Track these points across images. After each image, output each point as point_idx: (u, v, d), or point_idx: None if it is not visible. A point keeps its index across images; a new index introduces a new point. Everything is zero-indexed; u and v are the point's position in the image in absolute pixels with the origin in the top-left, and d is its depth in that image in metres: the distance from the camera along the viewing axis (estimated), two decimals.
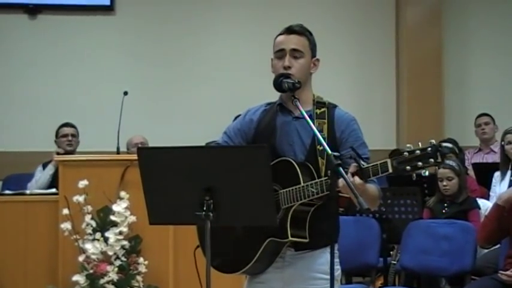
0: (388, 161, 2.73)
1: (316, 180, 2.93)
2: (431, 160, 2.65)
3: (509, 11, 8.84)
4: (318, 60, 3.14)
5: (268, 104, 3.22)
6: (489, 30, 8.78)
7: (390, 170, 2.73)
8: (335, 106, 3.14)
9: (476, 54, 8.79)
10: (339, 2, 8.68)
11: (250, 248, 2.99)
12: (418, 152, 2.68)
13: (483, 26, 8.80)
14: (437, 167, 5.63)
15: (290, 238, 2.94)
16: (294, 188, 2.94)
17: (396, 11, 8.69)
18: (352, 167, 2.76)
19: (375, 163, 2.77)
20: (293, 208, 2.95)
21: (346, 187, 2.70)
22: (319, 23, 8.42)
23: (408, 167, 2.69)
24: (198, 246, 3.12)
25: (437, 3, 8.55)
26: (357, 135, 3.09)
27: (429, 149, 2.66)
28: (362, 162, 2.75)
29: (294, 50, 3.07)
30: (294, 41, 3.08)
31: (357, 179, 2.73)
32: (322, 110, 3.09)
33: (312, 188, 2.90)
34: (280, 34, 3.13)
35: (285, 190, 2.96)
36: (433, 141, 2.69)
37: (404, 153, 2.70)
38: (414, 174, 2.74)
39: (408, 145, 2.73)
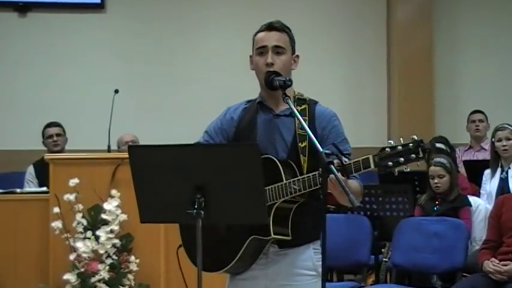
0: (370, 156, 2.74)
1: (299, 177, 2.92)
2: (413, 156, 2.66)
3: (499, 9, 8.86)
4: (297, 56, 3.13)
5: (249, 101, 3.20)
6: (479, 27, 8.79)
7: (372, 166, 2.74)
8: (316, 102, 3.13)
9: (466, 51, 8.80)
10: (329, 0, 8.68)
11: (233, 246, 2.98)
12: (399, 147, 2.69)
13: (473, 23, 8.81)
14: (427, 164, 5.65)
15: (273, 236, 2.93)
16: (276, 185, 2.93)
17: (387, 9, 8.70)
18: (334, 164, 2.74)
19: (356, 159, 2.77)
20: (276, 206, 2.94)
21: (335, 184, 2.68)
22: (310, 22, 8.54)
23: (390, 163, 2.70)
24: (180, 246, 3.11)
25: (428, 1, 8.56)
26: (338, 131, 3.08)
27: (410, 144, 2.67)
28: (344, 159, 2.75)
29: (276, 46, 3.06)
30: (275, 38, 3.06)
31: (339, 176, 2.71)
32: (303, 106, 3.08)
33: (295, 185, 2.90)
34: (260, 31, 3.10)
35: (267, 188, 2.93)
36: (415, 136, 2.69)
37: (386, 149, 2.71)
38: (396, 170, 2.74)
39: (390, 141, 2.74)
